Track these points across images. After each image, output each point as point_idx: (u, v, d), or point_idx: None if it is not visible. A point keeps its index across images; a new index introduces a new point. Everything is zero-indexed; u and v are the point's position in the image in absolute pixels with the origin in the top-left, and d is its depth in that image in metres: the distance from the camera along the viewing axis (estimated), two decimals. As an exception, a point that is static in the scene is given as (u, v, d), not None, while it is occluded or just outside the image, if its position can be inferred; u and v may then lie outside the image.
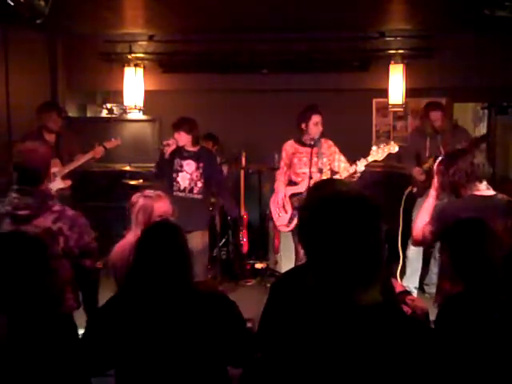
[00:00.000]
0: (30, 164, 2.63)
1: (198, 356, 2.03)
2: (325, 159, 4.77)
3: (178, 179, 4.84)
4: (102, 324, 2.09)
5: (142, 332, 2.00)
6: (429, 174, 4.91)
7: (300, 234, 1.36)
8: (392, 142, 4.64)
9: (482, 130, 7.54)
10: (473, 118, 8.02)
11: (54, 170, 4.49)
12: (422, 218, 2.93)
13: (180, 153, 4.82)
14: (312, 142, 4.74)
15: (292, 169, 4.92)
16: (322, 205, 1.33)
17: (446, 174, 2.88)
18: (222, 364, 2.15)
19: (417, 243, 3.06)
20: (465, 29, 5.77)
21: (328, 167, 4.81)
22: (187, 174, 4.83)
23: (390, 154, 4.66)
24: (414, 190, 5.01)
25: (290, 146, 4.93)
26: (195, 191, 4.84)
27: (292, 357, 1.29)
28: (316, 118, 4.73)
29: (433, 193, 2.99)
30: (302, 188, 4.78)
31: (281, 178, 5.00)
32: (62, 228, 2.60)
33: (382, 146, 4.60)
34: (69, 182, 5.08)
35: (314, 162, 4.74)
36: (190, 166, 4.82)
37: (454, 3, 4.82)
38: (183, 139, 4.78)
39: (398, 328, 1.28)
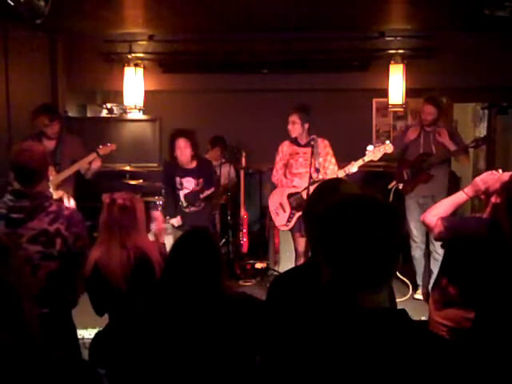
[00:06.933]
0: (26, 164, 2.58)
1: (228, 359, 2.00)
2: (321, 159, 4.77)
3: (180, 197, 4.88)
4: (128, 327, 2.05)
5: (172, 337, 1.97)
6: (415, 174, 4.89)
7: (310, 233, 1.34)
8: (387, 142, 4.64)
9: (482, 130, 7.53)
10: (473, 118, 8.02)
11: None
12: (442, 208, 2.67)
13: (178, 171, 4.82)
14: (308, 142, 4.74)
15: (288, 169, 4.93)
16: (340, 208, 1.32)
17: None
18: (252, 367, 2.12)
19: (428, 228, 2.77)
20: (465, 29, 5.76)
21: (323, 166, 4.81)
22: (188, 191, 4.86)
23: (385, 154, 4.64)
24: (400, 186, 4.98)
25: (286, 146, 4.95)
26: (197, 204, 4.89)
27: (291, 358, 1.28)
28: (290, 118, 4.79)
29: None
30: (299, 188, 4.78)
31: (279, 172, 4.96)
32: (59, 229, 2.59)
33: (377, 146, 4.60)
34: (60, 193, 4.64)
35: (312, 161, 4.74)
36: (189, 182, 4.85)
37: (454, 3, 4.82)
38: (185, 154, 4.73)
39: (402, 334, 1.27)
